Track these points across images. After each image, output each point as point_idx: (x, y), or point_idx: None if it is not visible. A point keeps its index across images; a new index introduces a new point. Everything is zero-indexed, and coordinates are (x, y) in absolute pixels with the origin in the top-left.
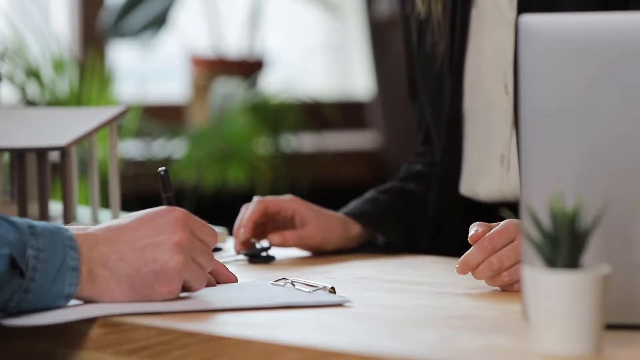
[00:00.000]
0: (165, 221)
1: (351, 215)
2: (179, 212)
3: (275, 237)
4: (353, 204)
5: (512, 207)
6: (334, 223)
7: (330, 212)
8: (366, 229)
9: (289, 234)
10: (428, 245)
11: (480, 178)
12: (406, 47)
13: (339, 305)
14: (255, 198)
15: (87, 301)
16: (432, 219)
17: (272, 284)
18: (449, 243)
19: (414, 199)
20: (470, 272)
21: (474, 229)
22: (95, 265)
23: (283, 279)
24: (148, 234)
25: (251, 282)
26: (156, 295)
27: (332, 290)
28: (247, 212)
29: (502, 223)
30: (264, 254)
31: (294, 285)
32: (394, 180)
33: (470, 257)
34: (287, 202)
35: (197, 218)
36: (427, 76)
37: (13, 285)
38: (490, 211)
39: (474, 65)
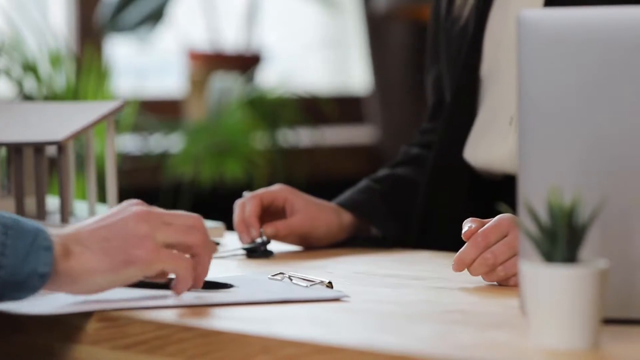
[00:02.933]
0: (126, 207)
1: (342, 204)
2: (140, 205)
3: (268, 228)
4: (346, 194)
5: (506, 181)
6: (324, 211)
7: (321, 201)
8: (358, 219)
9: (280, 224)
10: (420, 224)
11: (484, 139)
12: (433, 14)
13: (336, 300)
14: (246, 194)
15: (65, 279)
16: (426, 187)
17: (270, 278)
18: (442, 221)
19: (408, 186)
20: (466, 269)
21: (467, 225)
22: (69, 243)
23: (280, 273)
24: (111, 215)
25: (248, 277)
26: (134, 259)
27: (330, 285)
28: (248, 209)
29: (495, 218)
30: (262, 248)
31: (291, 279)
32: (390, 165)
33: (465, 254)
34: (278, 192)
35: (163, 211)
36: (450, 41)
37: None
38: (487, 186)
39: (497, 29)
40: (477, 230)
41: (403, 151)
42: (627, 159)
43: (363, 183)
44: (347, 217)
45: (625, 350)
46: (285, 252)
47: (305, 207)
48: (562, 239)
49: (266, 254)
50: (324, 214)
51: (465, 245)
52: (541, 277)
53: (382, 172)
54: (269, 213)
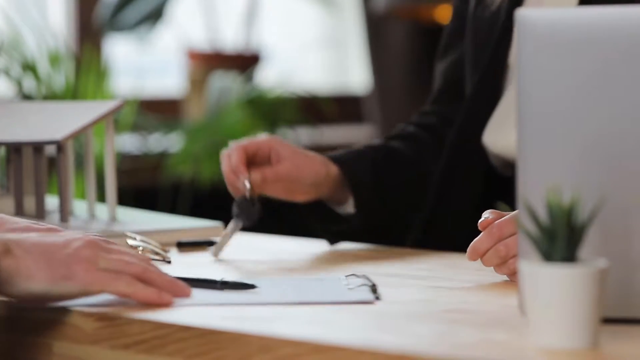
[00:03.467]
0: (75, 232)
1: (332, 157)
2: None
3: (255, 174)
4: (338, 151)
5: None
6: (311, 160)
7: (308, 151)
8: (343, 176)
9: (267, 170)
10: (431, 209)
11: (504, 126)
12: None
13: (367, 303)
14: (231, 144)
15: (4, 277)
16: (443, 167)
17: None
18: (456, 204)
19: (399, 160)
20: (479, 259)
21: (485, 215)
22: (11, 244)
23: (352, 275)
24: (58, 235)
25: (303, 278)
26: (73, 275)
27: (373, 288)
28: (234, 158)
29: (514, 212)
30: (250, 196)
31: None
32: (385, 137)
33: (479, 243)
34: (262, 140)
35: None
36: (479, 26)
37: None
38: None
39: None
40: (494, 221)
41: (400, 128)
42: (626, 158)
43: (357, 146)
44: (334, 170)
45: (625, 349)
46: (285, 252)
47: (292, 155)
48: (562, 239)
49: (253, 210)
50: (311, 163)
51: (480, 234)
52: (540, 277)
53: (376, 141)
54: (255, 163)
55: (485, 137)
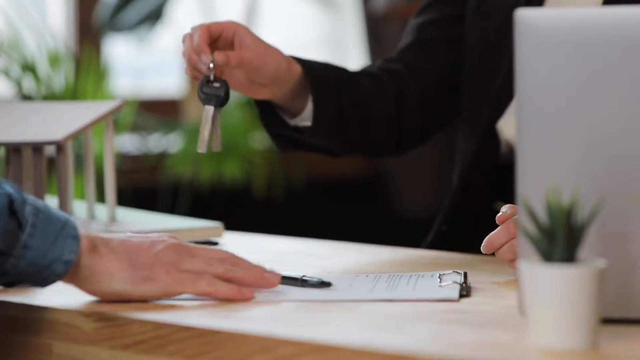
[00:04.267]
0: (159, 235)
1: (296, 58)
2: (173, 238)
3: (219, 55)
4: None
5: None
6: (274, 51)
7: (271, 43)
8: (306, 78)
9: (231, 53)
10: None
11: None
12: None
13: (447, 301)
14: (194, 25)
15: (84, 273)
16: (464, 174)
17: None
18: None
19: (361, 89)
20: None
21: (503, 210)
22: (98, 242)
23: (455, 272)
24: (142, 237)
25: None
26: (155, 277)
27: (464, 285)
28: (197, 38)
29: None
30: (214, 78)
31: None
32: (346, 69)
33: (495, 237)
34: (226, 23)
35: (194, 245)
36: (489, 19)
37: (11, 236)
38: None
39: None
40: (511, 216)
41: (363, 67)
42: (625, 158)
43: (320, 60)
44: (297, 69)
45: (624, 349)
46: (285, 252)
47: (254, 41)
48: (561, 239)
49: (220, 91)
50: (273, 53)
51: (497, 228)
52: (540, 277)
53: (338, 67)
54: (217, 47)
55: (501, 123)
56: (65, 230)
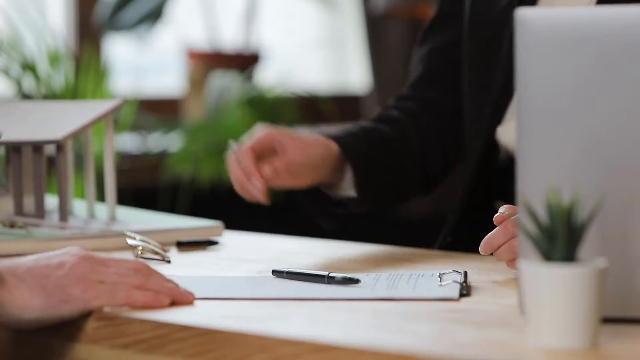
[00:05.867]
0: (67, 250)
1: (330, 136)
2: (81, 250)
3: (266, 168)
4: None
5: None
6: (312, 142)
7: (304, 133)
8: (344, 154)
9: (277, 162)
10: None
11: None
12: None
13: (454, 300)
14: (233, 147)
15: None
16: (471, 171)
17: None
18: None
19: (389, 142)
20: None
21: (501, 210)
22: (4, 272)
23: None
24: (50, 255)
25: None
26: (70, 298)
27: (464, 284)
28: (244, 161)
29: None
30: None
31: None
32: (371, 119)
33: (493, 238)
34: (265, 135)
35: (104, 256)
36: (483, 25)
37: None
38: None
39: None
40: (510, 216)
41: (384, 112)
42: (625, 157)
43: (349, 127)
44: (335, 148)
45: (624, 349)
46: (285, 252)
47: (293, 140)
48: (561, 238)
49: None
50: (313, 144)
51: (495, 229)
52: (540, 276)
53: (366, 123)
54: (261, 159)
55: (500, 129)
56: None
